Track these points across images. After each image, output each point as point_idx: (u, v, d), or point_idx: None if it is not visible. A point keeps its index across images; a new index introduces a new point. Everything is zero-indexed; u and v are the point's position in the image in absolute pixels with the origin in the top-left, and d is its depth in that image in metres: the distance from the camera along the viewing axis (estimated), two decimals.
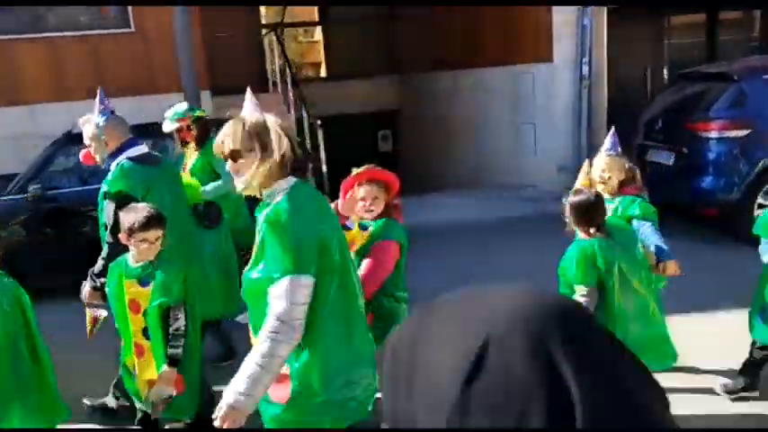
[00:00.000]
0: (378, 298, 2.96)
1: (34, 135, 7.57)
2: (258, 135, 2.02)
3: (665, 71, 10.14)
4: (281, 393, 2.02)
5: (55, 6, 8.66)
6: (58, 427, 2.91)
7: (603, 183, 3.41)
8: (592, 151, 9.31)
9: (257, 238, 2.10)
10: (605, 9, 9.09)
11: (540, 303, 0.71)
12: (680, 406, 3.31)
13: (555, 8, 9.02)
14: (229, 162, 2.07)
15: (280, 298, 1.92)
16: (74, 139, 6.04)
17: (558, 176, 9.32)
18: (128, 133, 3.37)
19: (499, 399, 0.65)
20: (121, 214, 2.94)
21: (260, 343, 1.92)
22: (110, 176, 3.25)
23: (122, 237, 2.90)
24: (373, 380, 2.14)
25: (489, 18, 10.10)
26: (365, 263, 2.91)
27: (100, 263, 3.20)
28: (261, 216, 2.10)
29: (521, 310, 0.70)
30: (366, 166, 3.07)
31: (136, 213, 2.87)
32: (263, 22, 13.86)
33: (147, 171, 3.28)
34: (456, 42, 11.08)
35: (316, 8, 14.79)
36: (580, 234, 3.08)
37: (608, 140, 3.50)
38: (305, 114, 10.23)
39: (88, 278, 3.26)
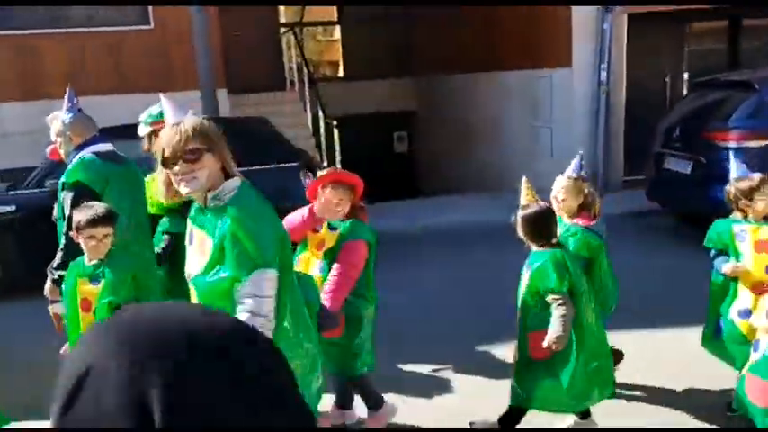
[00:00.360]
0: (363, 297, 3.00)
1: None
2: (208, 136, 2.03)
3: (686, 78, 10.02)
4: None
5: (70, 6, 8.74)
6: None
7: (558, 203, 3.37)
8: (608, 156, 9.32)
9: (208, 242, 2.05)
10: (626, 15, 9.02)
11: (165, 329, 0.65)
12: (684, 418, 3.24)
13: (574, 12, 8.96)
14: (178, 166, 2.00)
15: (250, 295, 1.96)
16: None
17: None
18: (93, 131, 3.43)
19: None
20: (74, 212, 2.96)
21: None
22: (70, 167, 3.28)
23: (72, 234, 2.93)
24: (320, 382, 2.18)
25: (508, 22, 10.06)
26: (336, 265, 2.95)
27: (59, 255, 3.21)
28: (206, 218, 2.07)
29: (134, 336, 0.64)
30: (330, 169, 3.11)
31: (86, 211, 2.89)
32: (282, 20, 13.91)
33: (108, 166, 3.31)
34: (474, 45, 11.04)
35: (335, 7, 14.81)
36: (535, 249, 3.01)
37: (573, 163, 3.42)
38: (321, 114, 10.26)
39: (48, 273, 3.25)
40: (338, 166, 9.79)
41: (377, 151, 12.90)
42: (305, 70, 11.15)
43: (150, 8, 8.96)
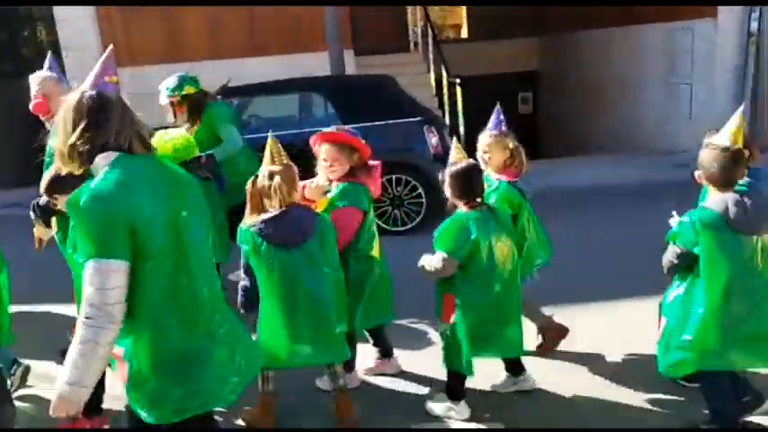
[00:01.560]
0: (346, 261, 3.02)
1: None
2: (62, 112, 1.92)
3: None
4: (122, 374, 1.98)
5: None
6: None
7: (485, 162, 3.35)
8: (755, 116, 8.56)
9: None
10: None
11: None
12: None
13: None
14: None
15: (89, 283, 1.83)
16: (229, 92, 6.47)
17: None
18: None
19: None
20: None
21: (78, 330, 1.84)
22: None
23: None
24: (231, 370, 2.02)
25: None
26: None
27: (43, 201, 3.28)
28: None
29: None
30: (332, 127, 3.16)
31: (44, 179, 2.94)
32: None
33: None
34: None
35: None
36: (462, 208, 2.96)
37: (492, 118, 3.39)
38: (444, 74, 10.20)
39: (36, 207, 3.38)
40: (461, 126, 9.72)
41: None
42: (429, 31, 11.10)
43: None
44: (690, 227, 2.57)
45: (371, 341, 3.50)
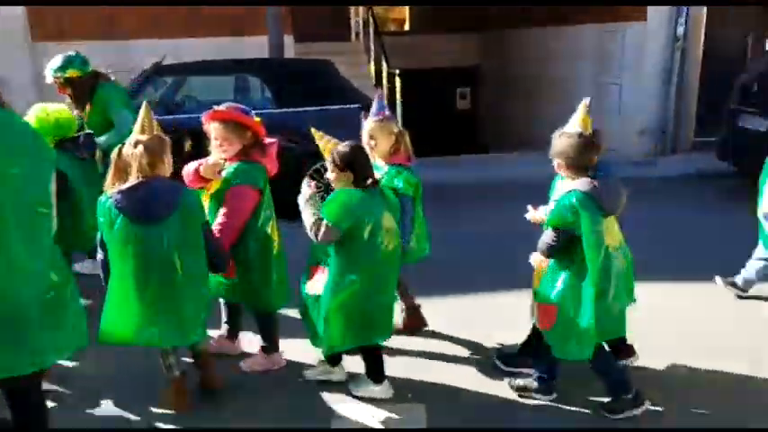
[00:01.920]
0: (245, 242, 3.01)
1: (126, 69, 7.85)
2: None
3: None
4: None
5: None
6: None
7: (372, 149, 3.29)
8: (679, 115, 8.95)
9: None
10: None
11: None
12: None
13: None
14: None
15: None
16: (162, 70, 6.32)
17: (639, 139, 8.98)
18: None
19: None
20: None
21: None
22: None
23: None
24: (53, 336, 2.03)
25: None
26: (221, 210, 2.95)
27: None
28: None
29: None
30: (224, 105, 3.06)
31: None
32: None
33: None
34: None
35: None
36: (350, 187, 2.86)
37: (374, 105, 3.36)
38: (384, 64, 10.24)
39: None
40: (399, 118, 9.78)
41: (439, 107, 12.79)
42: (371, 21, 11.12)
43: None
44: (568, 209, 2.67)
45: (225, 317, 3.42)
